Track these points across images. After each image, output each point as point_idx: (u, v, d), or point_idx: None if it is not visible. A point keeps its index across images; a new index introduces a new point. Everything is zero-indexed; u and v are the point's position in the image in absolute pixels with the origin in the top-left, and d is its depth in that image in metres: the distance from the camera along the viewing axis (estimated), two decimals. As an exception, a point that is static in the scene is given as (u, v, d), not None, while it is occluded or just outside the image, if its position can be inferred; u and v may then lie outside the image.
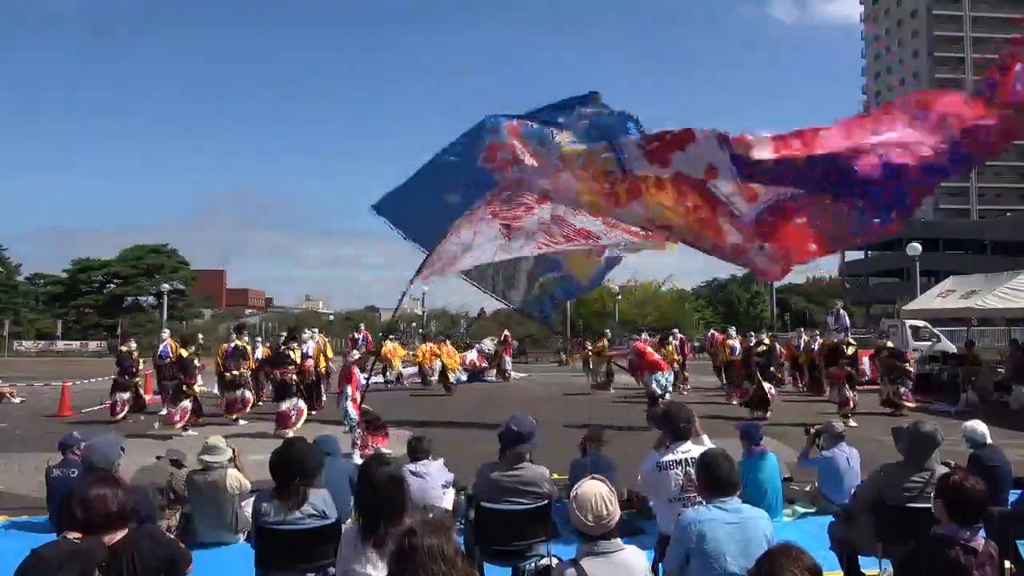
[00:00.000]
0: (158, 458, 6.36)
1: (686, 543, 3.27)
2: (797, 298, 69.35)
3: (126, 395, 12.70)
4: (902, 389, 14.02)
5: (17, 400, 16.91)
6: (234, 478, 5.70)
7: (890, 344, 15.00)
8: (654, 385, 12.19)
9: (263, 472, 3.96)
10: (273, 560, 3.78)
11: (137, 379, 13.13)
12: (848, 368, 13.36)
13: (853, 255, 76.57)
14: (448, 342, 21.98)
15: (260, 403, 13.88)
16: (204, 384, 18.52)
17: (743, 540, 3.23)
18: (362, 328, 21.46)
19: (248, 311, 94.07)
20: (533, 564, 4.27)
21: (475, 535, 4.40)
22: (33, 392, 18.81)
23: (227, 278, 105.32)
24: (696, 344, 30.60)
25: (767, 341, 15.03)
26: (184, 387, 11.66)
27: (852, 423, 11.86)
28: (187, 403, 11.66)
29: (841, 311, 17.21)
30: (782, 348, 17.79)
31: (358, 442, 9.65)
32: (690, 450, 4.23)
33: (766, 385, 13.47)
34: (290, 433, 10.59)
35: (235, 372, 12.81)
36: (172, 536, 5.15)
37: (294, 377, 11.97)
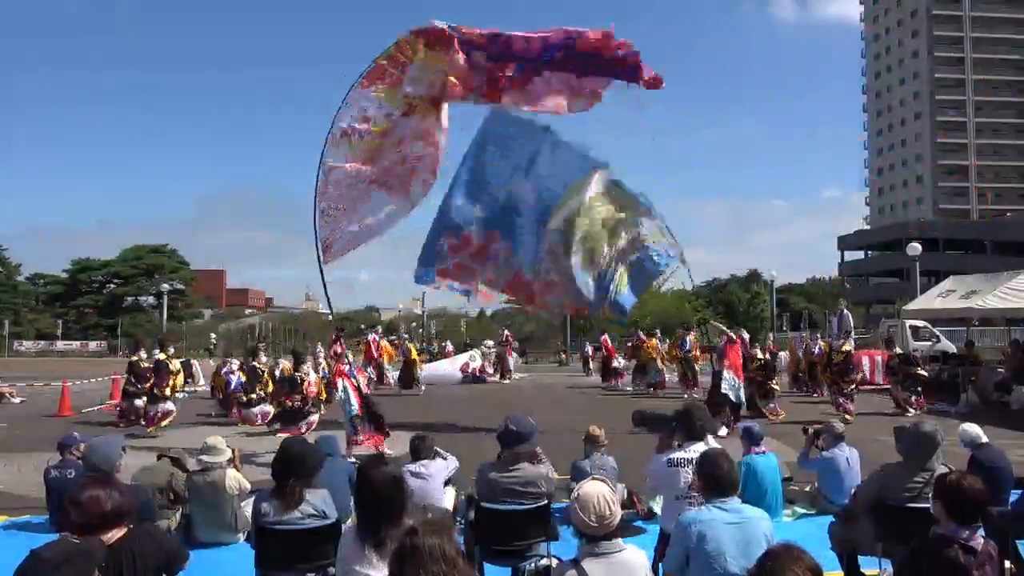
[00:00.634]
0: (159, 458, 6.35)
1: (686, 543, 3.27)
2: (797, 298, 69.37)
3: (140, 401, 12.68)
4: (913, 398, 14.09)
5: (17, 400, 16.92)
6: (233, 478, 5.70)
7: (899, 350, 14.94)
8: (724, 385, 11.97)
9: (264, 472, 3.96)
10: (273, 560, 3.78)
11: (147, 385, 13.01)
12: (836, 379, 13.31)
13: (853, 255, 76.71)
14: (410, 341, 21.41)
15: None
16: (204, 384, 18.60)
17: (743, 540, 3.23)
18: (379, 329, 21.43)
19: (248, 311, 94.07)
20: (533, 564, 4.27)
21: (475, 535, 4.40)
22: (33, 392, 18.82)
23: (227, 278, 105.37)
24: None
25: (760, 355, 14.52)
26: (156, 390, 11.75)
27: (848, 418, 11.99)
28: (168, 405, 11.83)
29: (845, 312, 17.17)
30: (785, 354, 17.66)
31: (353, 438, 9.64)
32: (701, 450, 4.26)
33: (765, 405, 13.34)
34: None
35: (251, 396, 12.99)
36: (172, 535, 5.17)
37: (299, 403, 12.07)
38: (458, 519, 5.16)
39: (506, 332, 26.76)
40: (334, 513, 3.85)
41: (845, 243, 73.87)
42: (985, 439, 5.44)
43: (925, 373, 14.38)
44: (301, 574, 3.74)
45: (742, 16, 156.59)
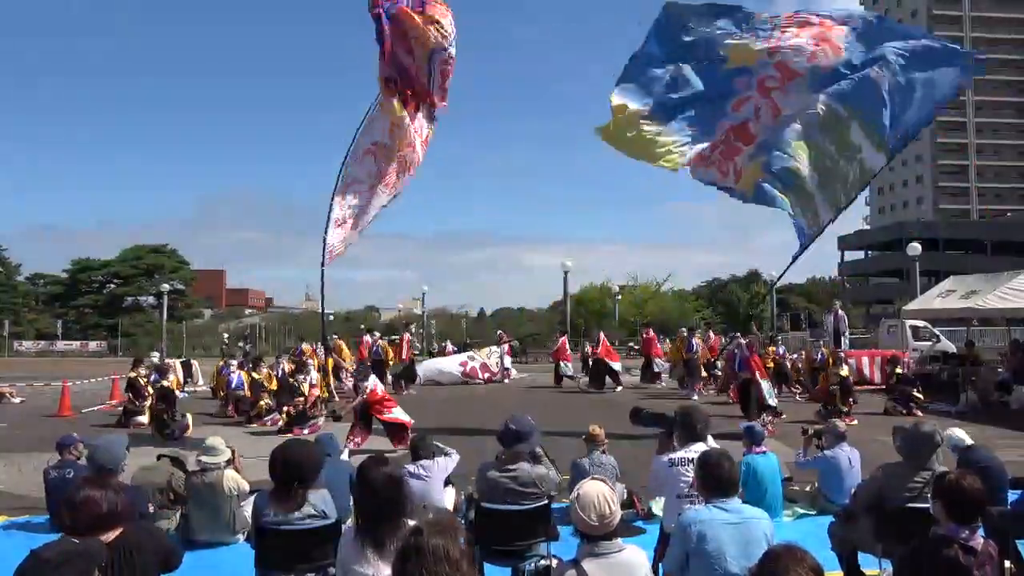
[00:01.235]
0: (158, 458, 6.35)
1: (686, 543, 3.27)
2: (797, 298, 69.36)
3: (141, 418, 12.69)
4: (903, 410, 13.89)
5: (17, 400, 16.92)
6: (231, 479, 5.70)
7: (899, 370, 14.83)
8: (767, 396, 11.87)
9: (265, 472, 3.94)
10: (273, 560, 3.77)
11: (147, 403, 13.03)
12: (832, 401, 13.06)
13: (853, 255, 76.74)
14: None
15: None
16: (203, 384, 18.59)
17: (743, 540, 3.23)
18: (375, 334, 21.23)
19: (248, 311, 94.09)
20: (533, 564, 4.27)
21: (475, 535, 4.40)
22: (33, 392, 18.81)
23: (227, 278, 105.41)
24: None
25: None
26: (166, 416, 11.73)
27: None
28: (185, 420, 11.84)
29: (840, 313, 17.05)
30: (793, 359, 17.46)
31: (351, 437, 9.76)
32: (702, 450, 4.26)
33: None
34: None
35: (261, 405, 13.10)
36: (172, 535, 5.18)
37: (302, 407, 12.19)
38: (458, 519, 5.16)
39: (500, 332, 26.72)
40: (334, 513, 3.84)
41: (845, 243, 73.87)
42: (970, 441, 5.37)
43: (921, 396, 14.20)
44: (301, 574, 3.74)
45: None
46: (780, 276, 15.00)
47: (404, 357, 20.01)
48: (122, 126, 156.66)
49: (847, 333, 16.71)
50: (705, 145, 10.97)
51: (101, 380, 20.83)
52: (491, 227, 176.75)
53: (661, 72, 10.60)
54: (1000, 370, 15.88)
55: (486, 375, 21.73)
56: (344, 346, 19.41)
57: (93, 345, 50.93)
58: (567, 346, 21.82)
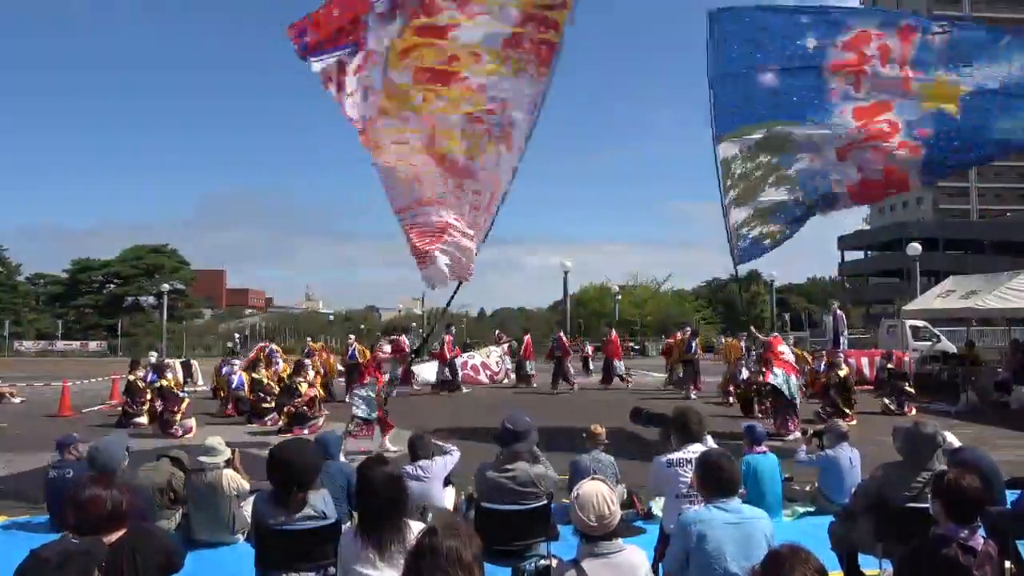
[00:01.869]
0: (158, 458, 6.35)
1: (686, 543, 3.27)
2: (797, 298, 69.38)
3: (141, 419, 12.69)
4: (893, 405, 14.02)
5: (17, 400, 16.92)
6: (230, 479, 5.69)
7: (890, 366, 14.83)
8: (781, 383, 11.18)
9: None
10: (273, 560, 3.77)
11: (146, 406, 13.04)
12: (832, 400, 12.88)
13: (853, 255, 76.71)
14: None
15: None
16: (203, 385, 18.60)
17: (743, 540, 3.23)
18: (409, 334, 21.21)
19: (248, 311, 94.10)
20: (533, 564, 4.27)
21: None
22: (33, 392, 18.81)
23: (227, 278, 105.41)
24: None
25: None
26: (167, 415, 11.82)
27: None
28: (188, 421, 11.92)
29: (839, 313, 17.01)
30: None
31: (352, 431, 9.80)
32: (699, 451, 4.26)
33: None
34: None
35: (262, 407, 13.12)
36: (172, 535, 5.17)
37: (303, 407, 12.22)
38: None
39: (498, 332, 26.71)
40: (334, 513, 3.84)
41: (845, 243, 73.87)
42: (958, 443, 5.36)
43: (912, 390, 14.20)
44: (301, 574, 3.74)
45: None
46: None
47: (450, 355, 19.61)
48: (122, 126, 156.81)
49: (846, 333, 16.65)
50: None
51: (101, 380, 20.84)
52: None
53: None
54: (1000, 370, 15.89)
55: (488, 373, 21.76)
56: (323, 351, 19.07)
57: (93, 345, 50.95)
58: (619, 343, 21.63)
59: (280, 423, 12.23)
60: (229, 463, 5.84)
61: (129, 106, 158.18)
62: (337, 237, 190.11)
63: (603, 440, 6.36)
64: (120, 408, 13.45)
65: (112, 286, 60.50)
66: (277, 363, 15.06)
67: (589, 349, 28.94)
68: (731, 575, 3.15)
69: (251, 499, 4.23)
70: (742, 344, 17.27)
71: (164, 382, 12.25)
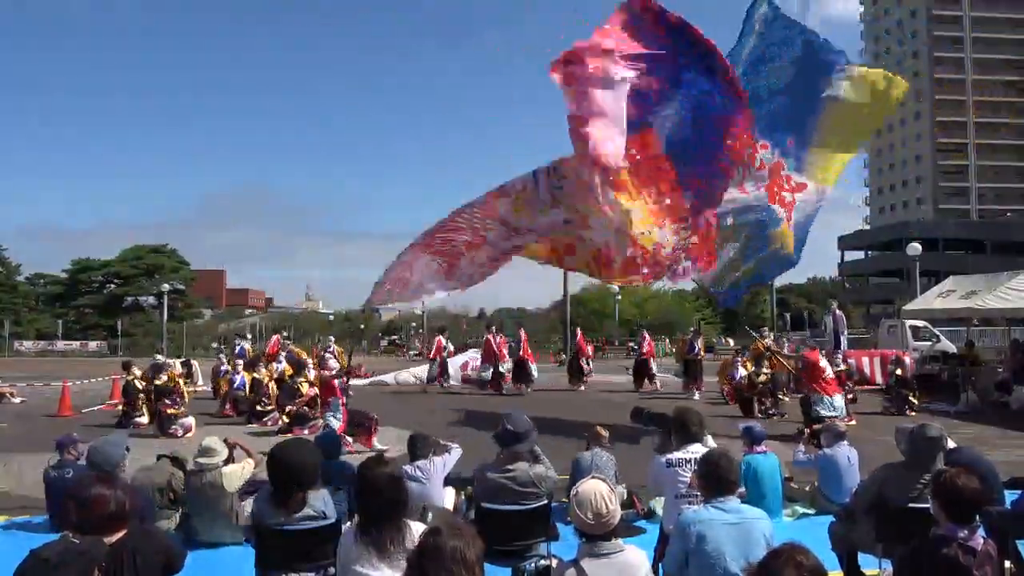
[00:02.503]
0: (158, 458, 6.35)
1: (685, 543, 3.27)
2: (797, 298, 69.38)
3: (141, 419, 12.69)
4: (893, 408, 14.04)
5: (17, 400, 16.91)
6: (230, 476, 5.68)
7: (899, 372, 14.76)
8: (819, 408, 10.30)
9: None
10: (273, 560, 3.77)
11: (144, 406, 13.03)
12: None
13: (853, 255, 76.71)
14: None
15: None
16: (203, 385, 18.60)
17: (742, 540, 3.23)
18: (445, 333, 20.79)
19: (248, 311, 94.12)
20: (533, 564, 4.27)
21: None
22: (33, 392, 18.81)
23: (227, 278, 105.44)
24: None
25: (767, 369, 14.13)
26: (171, 410, 11.84)
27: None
28: (187, 420, 11.93)
29: (838, 313, 16.97)
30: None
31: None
32: (699, 451, 4.26)
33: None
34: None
35: (261, 408, 13.14)
36: (172, 535, 5.17)
37: (305, 407, 12.22)
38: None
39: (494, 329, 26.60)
40: (334, 513, 3.84)
41: (845, 243, 73.88)
42: (953, 444, 5.36)
43: (916, 401, 14.10)
44: (301, 574, 3.74)
45: (742, 15, 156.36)
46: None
47: (524, 355, 19.24)
48: (123, 126, 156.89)
49: (846, 333, 16.62)
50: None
51: (101, 380, 20.83)
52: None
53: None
54: (1000, 370, 15.88)
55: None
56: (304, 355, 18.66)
57: (93, 345, 50.95)
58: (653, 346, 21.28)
59: (280, 423, 12.23)
60: (227, 462, 5.84)
61: (129, 106, 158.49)
62: (337, 237, 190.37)
63: (606, 443, 6.37)
64: (120, 408, 13.45)
65: (112, 286, 60.51)
66: (279, 363, 15.06)
67: (589, 349, 28.95)
68: (731, 575, 3.16)
69: (251, 499, 4.23)
70: (768, 342, 16.91)
71: (159, 381, 12.26)
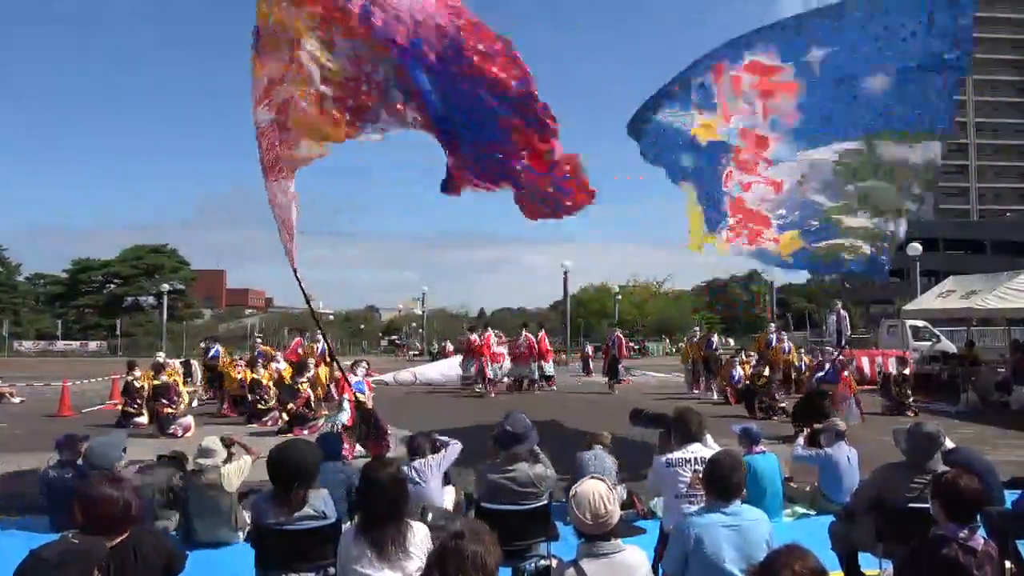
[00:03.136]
0: (159, 458, 6.35)
1: (684, 545, 3.27)
2: (797, 298, 69.38)
3: (141, 419, 12.71)
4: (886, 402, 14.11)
5: (17, 400, 16.90)
6: (229, 476, 5.68)
7: (906, 371, 14.72)
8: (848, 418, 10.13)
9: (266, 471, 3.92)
10: (273, 560, 3.78)
11: (142, 405, 13.03)
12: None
13: (853, 255, 76.55)
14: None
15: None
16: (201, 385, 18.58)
17: (741, 541, 3.23)
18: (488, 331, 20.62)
19: (248, 311, 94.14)
20: (533, 564, 4.27)
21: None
22: (33, 392, 18.80)
23: (227, 278, 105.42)
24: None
25: (767, 372, 14.18)
26: (170, 409, 11.87)
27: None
28: (186, 419, 11.93)
29: (842, 313, 16.96)
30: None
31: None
32: (699, 451, 4.26)
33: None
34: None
35: (261, 407, 13.15)
36: (173, 536, 5.18)
37: (304, 408, 12.22)
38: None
39: (498, 332, 26.61)
40: (334, 513, 3.84)
41: (845, 243, 73.76)
42: (951, 444, 5.35)
43: (911, 401, 14.16)
44: (301, 574, 3.74)
45: (743, 15, 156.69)
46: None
47: (622, 354, 19.16)
48: (122, 125, 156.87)
49: (848, 333, 16.61)
50: (724, 223, 9.63)
51: (101, 380, 20.83)
52: (491, 227, 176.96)
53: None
54: (1000, 370, 15.88)
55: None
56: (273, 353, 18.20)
57: (93, 345, 50.94)
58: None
59: (280, 423, 12.23)
60: (227, 462, 5.84)
61: (129, 106, 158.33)
62: (337, 237, 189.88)
63: (607, 444, 6.37)
64: (120, 408, 13.46)
65: (112, 286, 60.51)
66: (278, 363, 15.07)
67: (589, 349, 29.03)
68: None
69: (251, 499, 4.24)
70: (786, 345, 16.75)
71: (158, 381, 12.26)
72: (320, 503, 3.78)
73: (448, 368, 21.37)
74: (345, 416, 9.81)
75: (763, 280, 54.33)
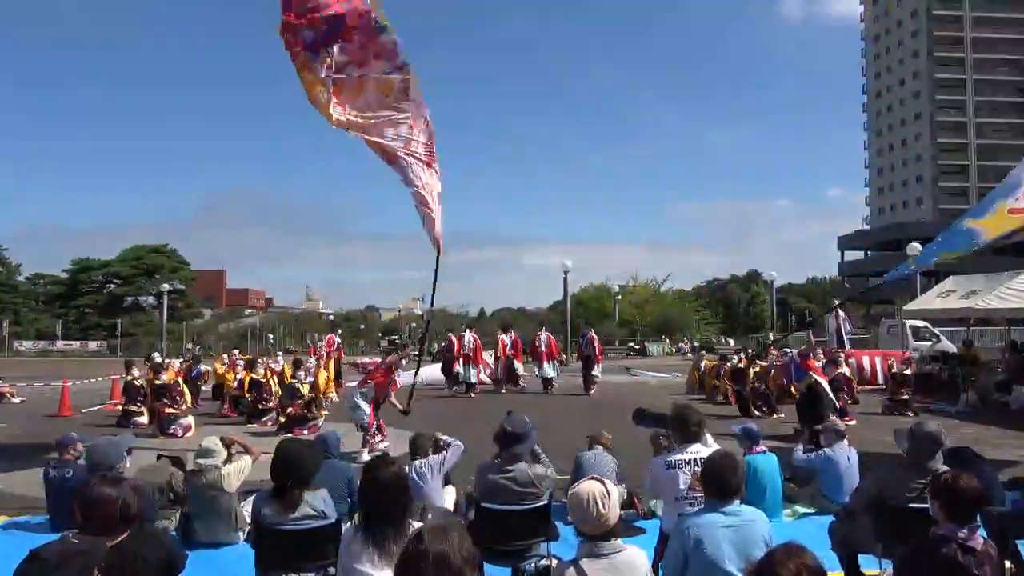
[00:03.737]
0: (159, 458, 6.35)
1: (684, 546, 3.27)
2: (797, 298, 69.41)
3: (141, 419, 12.70)
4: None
5: (17, 400, 16.91)
6: (229, 476, 5.68)
7: (908, 371, 14.76)
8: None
9: (266, 471, 3.93)
10: (273, 560, 3.78)
11: (143, 404, 13.02)
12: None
13: (853, 255, 76.78)
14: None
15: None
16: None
17: (740, 542, 3.23)
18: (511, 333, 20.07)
19: (248, 311, 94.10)
20: (533, 564, 4.27)
21: (475, 535, 4.39)
22: (33, 392, 18.81)
23: (227, 278, 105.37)
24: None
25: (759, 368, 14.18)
26: (171, 409, 11.87)
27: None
28: (187, 420, 11.94)
29: (842, 312, 16.95)
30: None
31: (370, 440, 9.72)
32: (699, 451, 4.25)
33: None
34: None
35: (260, 406, 13.15)
36: (173, 536, 5.17)
37: (303, 409, 12.21)
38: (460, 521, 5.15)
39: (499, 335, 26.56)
40: (334, 513, 3.85)
41: (845, 243, 73.91)
42: (951, 444, 5.34)
43: (909, 402, 14.15)
44: (301, 574, 3.74)
45: (744, 16, 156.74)
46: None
47: (598, 356, 18.75)
48: (122, 126, 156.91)
49: (848, 333, 16.61)
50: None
51: (101, 380, 20.84)
52: (491, 227, 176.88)
53: None
54: (1000, 370, 15.88)
55: (488, 371, 21.63)
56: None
57: (93, 345, 51.00)
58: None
59: (280, 423, 12.23)
60: (227, 462, 5.84)
61: (129, 106, 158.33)
62: (337, 237, 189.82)
63: (609, 445, 6.37)
64: (121, 408, 13.46)
65: (112, 286, 60.59)
66: (277, 363, 15.08)
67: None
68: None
69: (251, 499, 4.24)
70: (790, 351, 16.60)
71: (158, 381, 12.25)
72: (320, 503, 3.78)
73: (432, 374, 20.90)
74: (366, 405, 9.86)
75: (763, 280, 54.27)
